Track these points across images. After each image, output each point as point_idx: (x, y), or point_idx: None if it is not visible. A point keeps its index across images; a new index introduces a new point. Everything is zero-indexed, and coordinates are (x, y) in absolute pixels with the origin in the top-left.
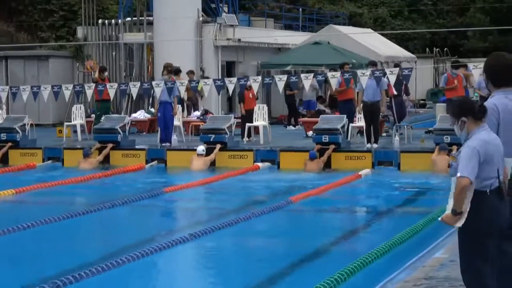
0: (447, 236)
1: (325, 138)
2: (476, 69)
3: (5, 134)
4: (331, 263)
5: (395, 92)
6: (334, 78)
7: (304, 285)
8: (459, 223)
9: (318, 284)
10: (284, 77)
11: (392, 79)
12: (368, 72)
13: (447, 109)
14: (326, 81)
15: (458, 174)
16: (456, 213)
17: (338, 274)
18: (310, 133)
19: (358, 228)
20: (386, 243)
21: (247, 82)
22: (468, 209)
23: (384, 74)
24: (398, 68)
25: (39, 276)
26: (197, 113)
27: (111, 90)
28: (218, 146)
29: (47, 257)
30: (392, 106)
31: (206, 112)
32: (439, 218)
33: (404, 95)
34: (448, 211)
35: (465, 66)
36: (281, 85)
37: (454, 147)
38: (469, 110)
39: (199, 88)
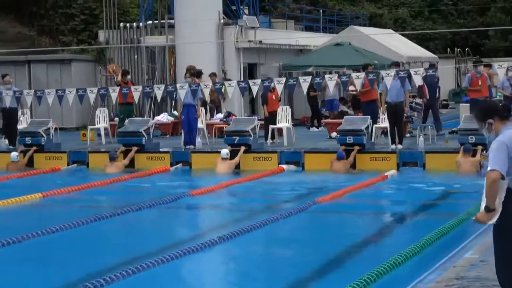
0: (476, 236)
1: (349, 139)
2: (500, 68)
3: (30, 138)
4: (360, 265)
5: (427, 96)
6: (358, 79)
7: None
8: (492, 220)
9: (348, 286)
10: (308, 78)
11: (417, 79)
12: (392, 72)
13: (470, 111)
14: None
15: (488, 168)
16: (489, 209)
17: (367, 275)
18: (333, 134)
19: (386, 229)
20: (415, 244)
21: (271, 83)
22: (501, 206)
23: (409, 75)
24: (422, 68)
25: (67, 280)
26: (220, 115)
27: (136, 93)
28: (243, 148)
29: (74, 261)
30: (421, 108)
31: (229, 114)
32: (473, 218)
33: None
34: (482, 209)
35: (490, 66)
36: (305, 86)
37: (479, 147)
38: (494, 112)
39: (223, 90)
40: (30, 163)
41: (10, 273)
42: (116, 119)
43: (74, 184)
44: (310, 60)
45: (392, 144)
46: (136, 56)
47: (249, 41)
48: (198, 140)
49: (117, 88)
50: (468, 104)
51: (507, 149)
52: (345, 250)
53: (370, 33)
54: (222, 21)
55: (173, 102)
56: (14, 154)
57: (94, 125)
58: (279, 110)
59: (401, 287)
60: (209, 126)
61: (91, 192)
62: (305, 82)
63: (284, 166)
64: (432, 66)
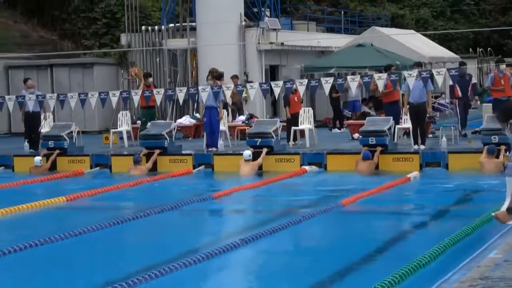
0: (500, 236)
1: (372, 140)
2: None
3: (53, 141)
4: (384, 266)
5: (460, 94)
6: (381, 80)
7: None
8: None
9: (372, 286)
10: (330, 80)
11: (439, 79)
12: (415, 73)
13: (493, 110)
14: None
15: None
16: (511, 211)
17: (391, 277)
18: (355, 135)
19: (409, 230)
20: (439, 244)
21: (293, 85)
22: None
23: (431, 75)
24: (444, 69)
25: (91, 283)
26: (242, 117)
27: (158, 96)
28: (265, 150)
29: (98, 264)
30: (456, 108)
31: (251, 116)
32: (493, 213)
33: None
34: (503, 209)
35: None
36: (327, 87)
37: (502, 147)
38: None
39: (245, 94)
40: (53, 167)
41: (35, 276)
42: (139, 122)
43: (97, 187)
44: (332, 61)
45: (414, 144)
46: (158, 59)
47: (271, 43)
48: (220, 142)
49: (139, 91)
50: (491, 104)
51: None
52: (369, 251)
53: (392, 34)
54: (243, 23)
55: (195, 104)
56: (37, 158)
57: (117, 128)
58: (301, 111)
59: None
60: (231, 128)
61: (114, 195)
62: (327, 84)
63: (307, 168)
64: (463, 64)
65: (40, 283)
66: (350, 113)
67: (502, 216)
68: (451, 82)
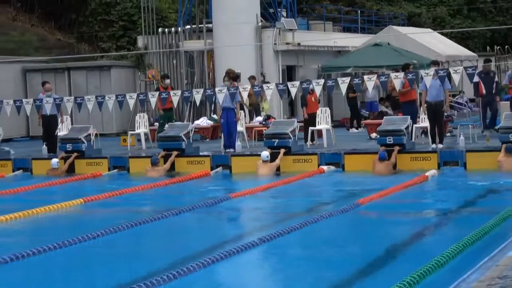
0: None
1: (390, 140)
2: None
3: (71, 144)
4: (402, 266)
5: (484, 92)
6: (398, 79)
7: None
8: None
9: (391, 287)
10: (347, 79)
11: (457, 77)
12: (432, 71)
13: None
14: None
15: None
16: None
17: (410, 277)
18: (373, 135)
19: (428, 229)
20: (457, 243)
21: (310, 85)
22: None
23: (448, 73)
24: (461, 67)
25: (111, 284)
26: (260, 118)
27: (175, 97)
28: (283, 150)
29: (117, 265)
30: (479, 106)
31: (268, 117)
32: None
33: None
34: None
35: None
36: (344, 87)
37: None
38: None
39: (265, 107)
40: (71, 169)
41: (55, 278)
42: (156, 124)
43: (115, 190)
44: (348, 61)
45: (432, 143)
46: (175, 61)
47: (287, 44)
48: (238, 143)
49: (156, 93)
50: (509, 102)
51: None
52: (387, 251)
53: (409, 33)
54: (260, 24)
55: (212, 106)
56: (54, 160)
57: (134, 130)
58: (318, 111)
59: (444, 287)
60: (248, 129)
61: (132, 197)
62: (343, 83)
63: (324, 168)
64: (488, 61)
65: (59, 285)
66: (368, 112)
67: None
68: (475, 79)
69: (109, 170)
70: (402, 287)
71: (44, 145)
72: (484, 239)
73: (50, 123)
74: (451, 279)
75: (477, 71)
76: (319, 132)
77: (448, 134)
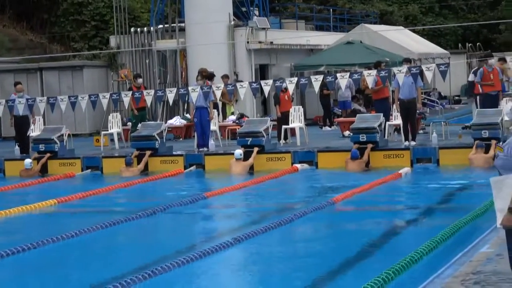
0: (491, 231)
1: (363, 137)
2: None
3: (44, 145)
4: (377, 263)
5: (480, 90)
6: (370, 77)
7: (351, 286)
8: None
9: (366, 284)
10: (320, 77)
11: (429, 75)
12: (404, 69)
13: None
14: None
15: None
16: None
17: (385, 273)
18: (346, 133)
19: (402, 226)
20: (431, 240)
21: (283, 84)
22: None
23: (421, 71)
24: (434, 64)
25: (84, 285)
26: (233, 117)
27: (148, 97)
28: (256, 149)
29: (90, 266)
30: (476, 104)
31: (241, 116)
32: (498, 225)
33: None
34: (500, 213)
35: (504, 60)
36: (317, 85)
37: (493, 142)
38: None
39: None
40: (44, 170)
41: (27, 279)
42: (129, 123)
43: (88, 190)
44: (321, 59)
45: (405, 141)
46: (147, 61)
47: (260, 42)
48: (211, 142)
49: (130, 93)
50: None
51: None
52: (362, 248)
53: (380, 30)
54: (232, 23)
55: (186, 105)
56: (27, 161)
57: (107, 130)
58: (291, 110)
59: (418, 283)
60: (222, 128)
61: (106, 197)
62: (317, 81)
63: (298, 166)
64: (489, 55)
65: (32, 286)
66: (341, 110)
67: (507, 219)
68: (470, 78)
69: (82, 170)
70: (377, 283)
71: (17, 145)
72: (458, 235)
73: (22, 123)
74: (425, 275)
75: (472, 70)
76: (292, 130)
77: (421, 131)
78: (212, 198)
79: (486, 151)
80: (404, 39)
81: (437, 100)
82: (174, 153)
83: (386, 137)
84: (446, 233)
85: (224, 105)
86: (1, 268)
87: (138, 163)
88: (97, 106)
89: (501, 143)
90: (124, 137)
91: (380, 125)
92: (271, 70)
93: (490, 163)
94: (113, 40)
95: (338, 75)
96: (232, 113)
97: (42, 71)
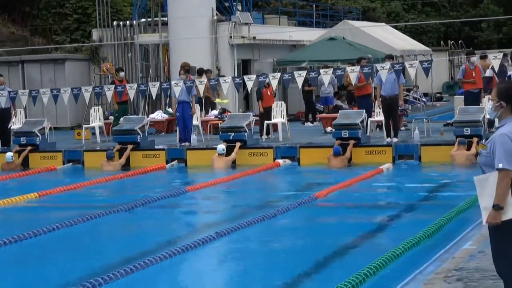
0: (473, 228)
1: (345, 134)
2: (496, 59)
3: (25, 138)
4: (358, 258)
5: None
6: (354, 73)
7: (333, 281)
8: (505, 217)
9: (348, 279)
10: (303, 73)
11: (412, 72)
12: (387, 65)
13: (465, 103)
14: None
15: (500, 166)
16: (499, 207)
17: (367, 268)
18: (328, 129)
19: (383, 222)
20: (413, 236)
21: (266, 79)
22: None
23: (403, 68)
24: (417, 61)
25: (65, 279)
26: (215, 112)
27: (131, 91)
28: (238, 144)
29: (71, 260)
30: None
31: (224, 111)
32: (484, 222)
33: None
34: (485, 211)
35: (486, 57)
36: (300, 80)
37: (474, 139)
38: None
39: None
40: (25, 163)
41: (8, 273)
42: (111, 117)
43: (69, 183)
44: (304, 55)
45: (387, 137)
46: (129, 54)
47: (243, 37)
48: (193, 137)
49: (112, 87)
50: (463, 97)
51: (511, 142)
52: (343, 244)
53: (363, 26)
54: (215, 17)
55: (168, 99)
56: (9, 154)
57: (89, 124)
58: (274, 105)
59: (400, 279)
60: (204, 122)
61: (87, 191)
62: (300, 77)
63: (280, 161)
64: (472, 53)
65: (12, 280)
66: (323, 106)
67: (493, 218)
68: (487, 74)
69: (63, 163)
70: (359, 277)
71: None
72: (439, 232)
73: (3, 116)
74: (408, 272)
75: (490, 66)
76: (275, 125)
77: (403, 128)
78: (193, 192)
79: (468, 148)
80: (387, 36)
81: (419, 98)
82: (156, 147)
83: (368, 134)
84: (428, 229)
85: (206, 100)
86: None
87: (120, 157)
88: (79, 100)
89: (483, 140)
90: (105, 131)
91: (362, 122)
92: (254, 65)
93: (472, 160)
94: (95, 34)
95: (321, 71)
96: (221, 109)
97: (23, 64)
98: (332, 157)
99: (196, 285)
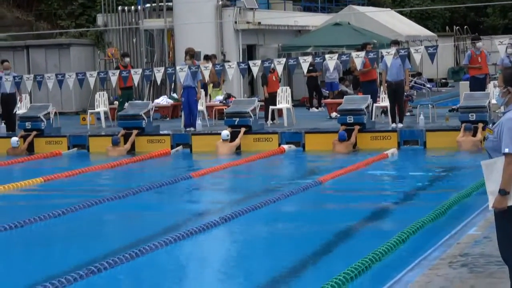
0: (478, 214)
1: (350, 119)
2: (501, 45)
3: (30, 123)
4: (362, 244)
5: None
6: (359, 58)
7: (338, 266)
8: (510, 202)
9: (353, 264)
10: (309, 58)
11: (418, 57)
12: (393, 51)
13: (470, 88)
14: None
15: (506, 150)
16: (505, 192)
17: (372, 254)
18: (333, 114)
19: (388, 207)
20: (417, 221)
21: (271, 64)
22: None
23: (409, 53)
24: (422, 47)
25: (70, 263)
26: (220, 97)
27: (136, 76)
28: (243, 129)
29: (77, 245)
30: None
31: (229, 96)
32: (490, 207)
33: None
34: (491, 195)
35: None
36: (305, 66)
37: (480, 125)
38: None
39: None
40: (30, 148)
41: (12, 257)
42: (116, 102)
43: (74, 168)
44: (309, 40)
45: (392, 123)
46: (134, 40)
47: (248, 23)
48: (198, 122)
49: (117, 72)
50: (468, 82)
51: None
52: (348, 229)
53: (368, 11)
54: (220, 2)
55: (173, 84)
56: (14, 139)
57: (94, 109)
58: (279, 90)
59: (405, 264)
60: (209, 108)
61: (92, 176)
62: (305, 62)
63: (285, 147)
64: (477, 38)
65: (18, 264)
66: (328, 91)
67: (500, 203)
68: (505, 61)
69: (68, 148)
70: (364, 264)
71: (3, 123)
72: (445, 217)
73: (9, 101)
74: (412, 257)
75: (506, 53)
76: (280, 111)
77: (408, 114)
78: (198, 178)
79: (474, 134)
80: (392, 21)
81: (424, 83)
82: (161, 132)
83: (373, 119)
84: (432, 214)
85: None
86: None
87: (125, 142)
88: (84, 85)
89: (490, 125)
90: (110, 116)
91: (367, 107)
92: (259, 51)
93: (478, 146)
94: (100, 19)
95: (326, 56)
96: (225, 95)
97: (28, 49)
98: (337, 142)
99: (200, 270)
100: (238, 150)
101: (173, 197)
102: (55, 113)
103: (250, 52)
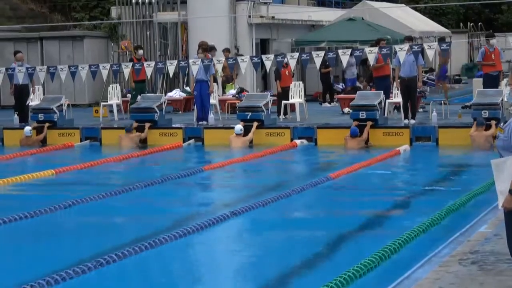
0: (489, 211)
1: (362, 115)
2: None
3: (43, 114)
4: (373, 240)
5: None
6: (372, 54)
7: (348, 262)
8: None
9: (363, 261)
10: (322, 53)
11: (431, 53)
12: (406, 47)
13: (484, 85)
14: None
15: None
16: None
17: (381, 251)
18: (346, 110)
19: (399, 204)
20: (428, 218)
21: (284, 59)
22: None
23: (422, 49)
24: (436, 43)
25: (81, 255)
26: (233, 91)
27: (148, 68)
28: (255, 124)
29: (87, 236)
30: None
31: (241, 90)
32: (499, 206)
33: None
34: (501, 195)
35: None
36: (318, 61)
37: (493, 122)
38: None
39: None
40: (42, 140)
41: (23, 248)
42: (129, 95)
43: (87, 161)
44: (322, 35)
45: (405, 119)
46: (148, 32)
47: (262, 17)
48: (211, 116)
49: (130, 64)
50: (481, 79)
51: None
52: (358, 225)
53: (382, 7)
54: None
55: (186, 78)
56: (27, 128)
57: (107, 101)
58: (291, 85)
59: (415, 261)
60: (221, 102)
61: (104, 168)
62: (318, 57)
63: (297, 142)
64: (491, 35)
65: (27, 256)
66: (341, 86)
67: (508, 201)
68: None
69: (81, 140)
70: (373, 260)
71: (16, 114)
72: (456, 214)
73: (22, 92)
74: (423, 254)
75: None
76: (292, 106)
77: (421, 110)
78: (210, 171)
79: (487, 129)
80: (406, 17)
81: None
82: (173, 125)
83: (385, 115)
84: (444, 212)
85: (223, 82)
86: None
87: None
88: (97, 77)
89: (501, 124)
90: (123, 108)
91: (380, 103)
92: (272, 45)
93: (491, 141)
94: (114, 11)
95: (340, 51)
96: (238, 89)
97: (42, 41)
98: (349, 138)
99: (210, 264)
100: (250, 144)
101: (184, 191)
102: (68, 105)
103: (263, 47)
